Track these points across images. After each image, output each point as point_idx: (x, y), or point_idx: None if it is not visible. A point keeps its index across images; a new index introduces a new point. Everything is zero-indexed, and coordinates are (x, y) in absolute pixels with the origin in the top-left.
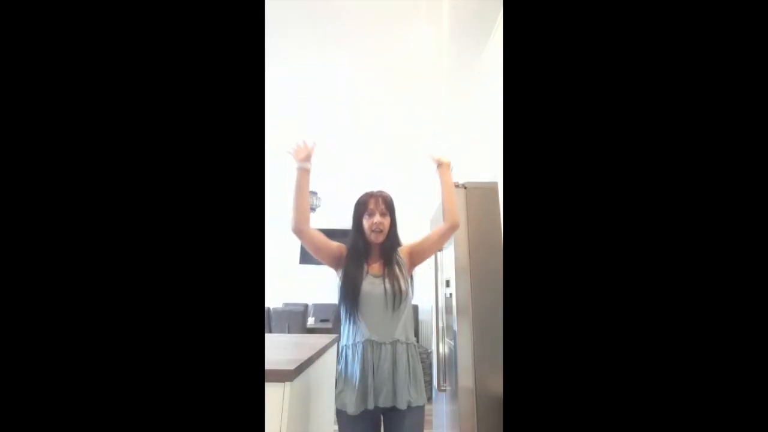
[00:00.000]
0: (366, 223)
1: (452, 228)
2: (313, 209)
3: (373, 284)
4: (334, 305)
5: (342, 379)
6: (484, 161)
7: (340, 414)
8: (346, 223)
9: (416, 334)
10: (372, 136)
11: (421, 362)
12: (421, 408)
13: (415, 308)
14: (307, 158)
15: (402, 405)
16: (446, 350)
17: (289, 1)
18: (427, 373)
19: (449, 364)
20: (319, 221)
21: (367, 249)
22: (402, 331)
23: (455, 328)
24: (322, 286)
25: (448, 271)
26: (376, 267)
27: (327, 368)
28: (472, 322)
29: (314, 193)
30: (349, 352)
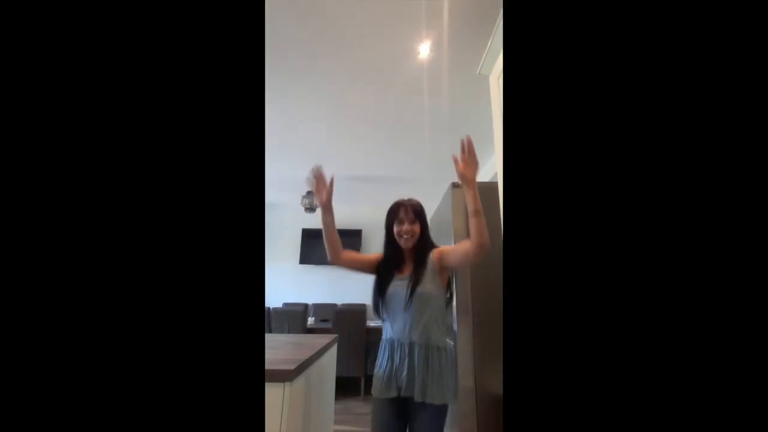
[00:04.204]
0: (396, 230)
1: (476, 250)
2: (312, 210)
3: (397, 286)
4: (334, 305)
5: (375, 368)
6: (484, 161)
7: (372, 399)
8: (346, 223)
9: None
10: (371, 135)
11: None
12: (439, 408)
13: None
14: (329, 201)
15: (418, 397)
16: None
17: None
18: None
19: None
20: (318, 220)
21: (399, 255)
22: (422, 332)
23: (455, 328)
24: (322, 286)
25: None
26: (406, 270)
27: (327, 368)
28: (472, 322)
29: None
30: (382, 346)
